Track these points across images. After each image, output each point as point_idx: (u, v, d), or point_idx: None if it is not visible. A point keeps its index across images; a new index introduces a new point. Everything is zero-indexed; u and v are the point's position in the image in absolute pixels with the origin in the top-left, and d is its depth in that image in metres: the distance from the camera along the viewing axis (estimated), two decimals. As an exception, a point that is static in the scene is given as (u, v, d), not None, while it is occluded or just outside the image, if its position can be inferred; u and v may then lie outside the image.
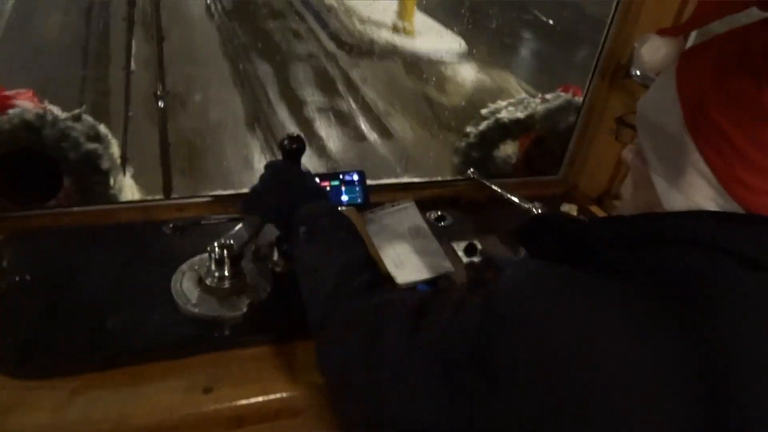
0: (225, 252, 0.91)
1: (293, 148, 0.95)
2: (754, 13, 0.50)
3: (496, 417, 0.48)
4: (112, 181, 1.26)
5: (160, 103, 1.33)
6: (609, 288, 0.48)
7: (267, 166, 0.95)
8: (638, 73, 1.29)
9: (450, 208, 1.40)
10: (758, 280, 0.46)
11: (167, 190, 1.46)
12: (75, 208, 1.17)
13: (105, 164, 1.24)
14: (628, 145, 0.63)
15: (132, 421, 0.77)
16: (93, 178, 1.25)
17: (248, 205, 0.93)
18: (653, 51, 0.57)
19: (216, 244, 0.91)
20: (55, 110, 1.24)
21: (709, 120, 0.49)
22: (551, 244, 0.59)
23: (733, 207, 0.49)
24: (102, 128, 1.24)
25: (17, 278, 0.93)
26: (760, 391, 0.46)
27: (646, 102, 0.58)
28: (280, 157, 0.97)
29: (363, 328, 0.65)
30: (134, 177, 1.37)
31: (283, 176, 0.93)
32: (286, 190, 0.91)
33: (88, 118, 1.22)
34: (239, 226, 0.94)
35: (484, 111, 1.55)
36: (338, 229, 0.84)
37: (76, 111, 1.19)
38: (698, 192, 0.50)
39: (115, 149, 1.27)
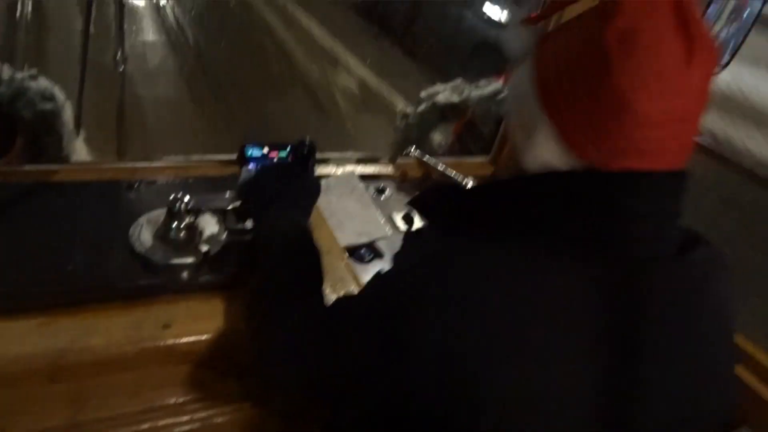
0: (182, 205, 0.99)
1: (302, 152, 1.12)
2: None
3: (408, 374, 0.58)
4: (65, 142, 1.30)
5: (120, 68, 1.38)
6: (497, 246, 0.60)
7: (271, 165, 1.05)
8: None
9: (390, 182, 1.52)
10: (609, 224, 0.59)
11: (121, 154, 1.50)
12: (27, 167, 1.21)
13: (59, 125, 1.28)
14: None
15: (95, 351, 0.84)
16: (46, 138, 1.28)
17: (241, 192, 1.02)
18: (515, 35, 0.68)
19: (173, 197, 0.99)
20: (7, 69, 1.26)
21: (557, 95, 0.60)
22: (442, 210, 0.73)
23: (572, 161, 0.60)
24: (57, 90, 1.28)
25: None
26: (662, 324, 0.59)
27: (513, 79, 0.69)
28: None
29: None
30: (87, 140, 1.41)
31: (277, 175, 1.01)
32: (272, 191, 0.98)
33: (44, 79, 1.25)
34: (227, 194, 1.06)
35: (423, 94, 1.67)
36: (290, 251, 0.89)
37: (33, 70, 1.23)
38: (546, 151, 0.62)
39: (69, 111, 1.30)
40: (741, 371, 1.08)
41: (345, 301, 0.74)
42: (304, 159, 1.17)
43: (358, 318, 0.66)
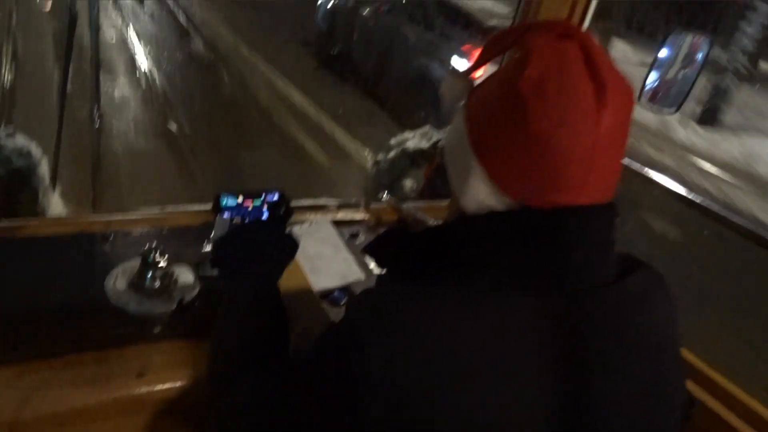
0: (157, 255, 1.01)
1: (280, 211, 1.12)
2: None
3: (362, 414, 0.59)
4: (41, 197, 1.32)
5: (96, 123, 1.41)
6: (442, 287, 0.63)
7: (246, 224, 1.05)
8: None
9: (363, 226, 1.56)
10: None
11: (97, 207, 1.52)
12: (1, 222, 1.22)
13: (35, 181, 1.30)
14: None
15: (69, 403, 0.85)
16: (22, 194, 1.30)
17: (215, 247, 0.98)
18: (451, 88, 0.74)
19: (147, 247, 1.01)
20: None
21: (484, 140, 0.65)
22: (392, 255, 0.76)
23: (506, 200, 0.64)
24: (34, 146, 1.31)
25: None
26: (605, 347, 0.63)
27: (449, 131, 0.74)
28: None
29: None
30: (63, 194, 1.43)
31: (252, 236, 0.98)
32: (245, 253, 0.95)
33: (21, 136, 1.28)
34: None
35: (392, 141, 1.73)
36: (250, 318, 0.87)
37: (10, 128, 1.26)
38: (480, 192, 0.66)
39: (46, 166, 1.33)
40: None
41: (296, 359, 0.74)
42: (281, 216, 1.18)
43: (308, 375, 0.67)
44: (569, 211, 0.62)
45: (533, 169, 0.62)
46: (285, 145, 5.37)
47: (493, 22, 6.30)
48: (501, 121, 0.63)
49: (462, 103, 0.71)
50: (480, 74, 0.73)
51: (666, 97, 1.52)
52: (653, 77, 1.51)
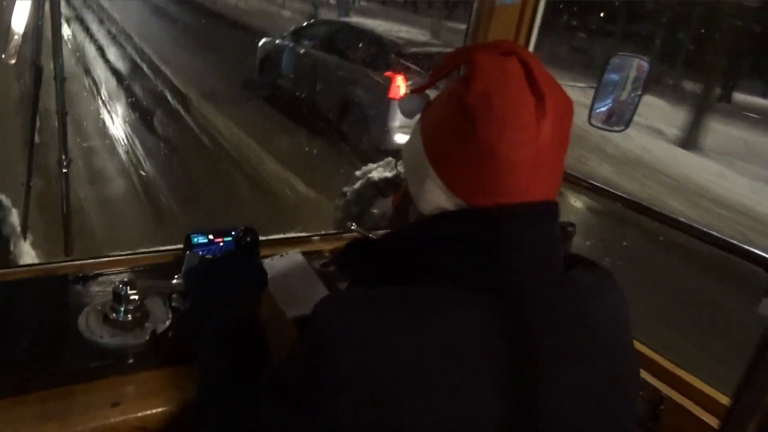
0: (128, 288, 1.04)
1: (246, 241, 1.15)
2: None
3: (332, 416, 0.62)
4: (12, 247, 1.34)
5: (64, 170, 1.44)
6: (395, 295, 0.67)
7: (214, 257, 1.08)
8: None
9: (333, 256, 1.60)
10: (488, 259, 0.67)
11: (68, 252, 1.53)
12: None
13: (6, 230, 1.33)
14: None
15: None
16: (-7, 244, 1.33)
17: (186, 278, 1.05)
18: (408, 103, 0.79)
19: (119, 282, 1.04)
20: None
21: (438, 148, 0.71)
22: (360, 264, 0.81)
23: (458, 202, 0.69)
24: (3, 197, 1.33)
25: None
26: (556, 342, 0.66)
27: (407, 143, 0.79)
28: None
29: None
30: (34, 243, 1.45)
31: (221, 268, 1.02)
32: (214, 284, 0.98)
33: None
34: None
35: (357, 173, 1.79)
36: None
37: (-21, 181, 1.28)
38: (436, 196, 0.71)
39: (15, 216, 1.36)
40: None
41: (266, 376, 0.75)
42: (247, 247, 1.20)
43: (279, 386, 0.70)
44: (513, 208, 0.67)
45: (480, 174, 0.67)
46: (254, 185, 5.51)
47: (412, 50, 7.05)
48: (451, 130, 0.69)
49: (418, 116, 0.78)
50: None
51: (620, 117, 1.61)
52: (606, 100, 1.60)
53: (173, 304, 1.11)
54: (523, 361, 0.65)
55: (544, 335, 0.66)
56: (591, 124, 1.58)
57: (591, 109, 1.58)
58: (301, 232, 1.67)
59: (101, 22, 13.08)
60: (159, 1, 16.25)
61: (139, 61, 10.00)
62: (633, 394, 0.76)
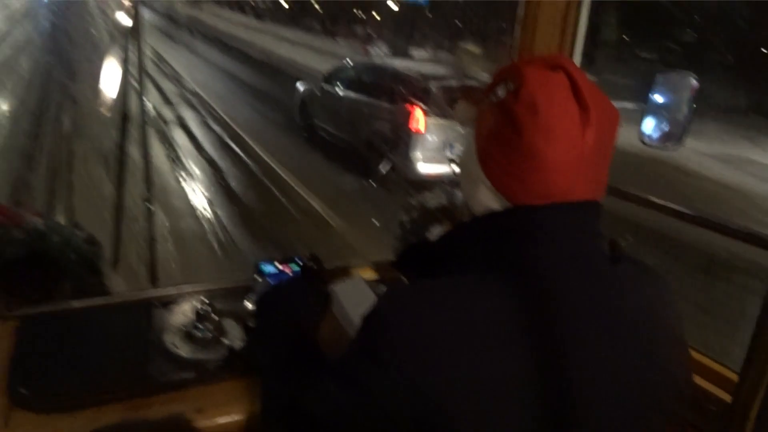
0: (209, 309, 1.16)
1: (310, 268, 1.23)
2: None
3: (390, 389, 0.68)
4: (106, 279, 1.50)
5: (149, 206, 1.61)
6: (451, 285, 0.73)
7: (281, 282, 1.17)
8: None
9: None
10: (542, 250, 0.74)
11: (154, 281, 1.69)
12: (75, 302, 1.39)
13: (101, 265, 1.49)
14: None
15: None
16: (90, 277, 1.48)
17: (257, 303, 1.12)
18: (463, 111, 0.87)
19: (200, 304, 1.16)
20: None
21: (488, 153, 0.78)
22: (418, 263, 0.88)
23: (506, 203, 0.76)
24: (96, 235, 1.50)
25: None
26: (576, 334, 0.71)
27: (463, 150, 0.87)
28: None
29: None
30: (122, 274, 1.60)
31: (287, 292, 1.09)
32: (280, 306, 1.06)
33: (83, 226, 1.48)
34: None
35: (413, 201, 1.87)
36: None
37: (75, 220, 1.45)
38: (485, 197, 0.78)
39: (106, 251, 1.52)
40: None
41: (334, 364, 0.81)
42: (312, 273, 1.27)
43: (346, 367, 0.76)
44: (557, 208, 0.74)
45: (527, 177, 0.74)
46: (308, 218, 5.88)
47: (432, 83, 7.23)
48: (500, 137, 0.76)
49: (472, 123, 0.85)
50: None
51: (678, 138, 1.63)
52: (660, 121, 1.62)
53: (247, 323, 1.22)
54: (555, 338, 0.69)
55: (577, 318, 0.71)
56: (643, 142, 1.60)
57: (641, 127, 1.60)
58: (360, 260, 1.76)
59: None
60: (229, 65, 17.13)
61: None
62: (675, 382, 0.79)
